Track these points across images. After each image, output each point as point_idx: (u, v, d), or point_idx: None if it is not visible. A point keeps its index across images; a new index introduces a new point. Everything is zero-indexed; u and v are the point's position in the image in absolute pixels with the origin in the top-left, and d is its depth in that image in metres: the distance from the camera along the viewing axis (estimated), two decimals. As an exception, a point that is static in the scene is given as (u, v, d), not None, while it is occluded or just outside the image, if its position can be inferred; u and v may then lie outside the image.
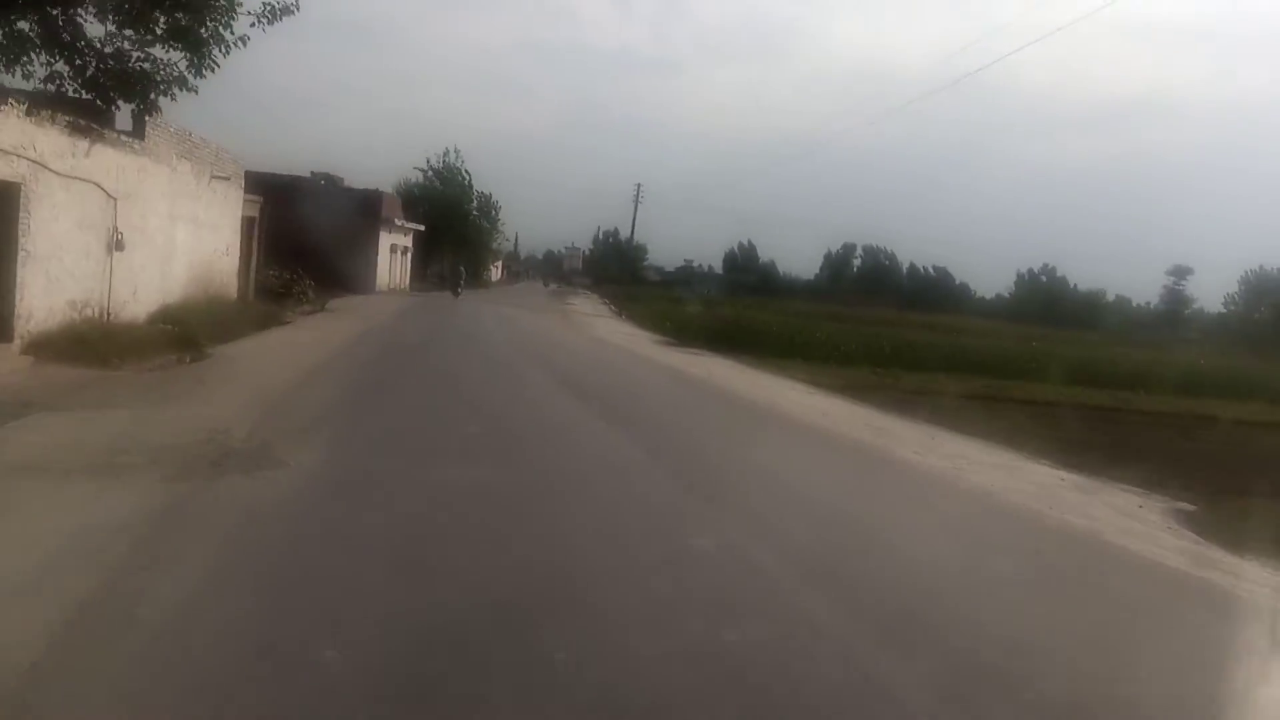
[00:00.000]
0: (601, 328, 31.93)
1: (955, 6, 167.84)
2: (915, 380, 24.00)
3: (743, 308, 60.23)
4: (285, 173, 40.04)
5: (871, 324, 51.84)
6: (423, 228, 48.38)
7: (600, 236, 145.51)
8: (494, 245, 74.75)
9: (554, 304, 48.97)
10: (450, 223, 57.37)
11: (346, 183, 42.12)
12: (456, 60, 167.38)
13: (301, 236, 40.07)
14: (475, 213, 62.53)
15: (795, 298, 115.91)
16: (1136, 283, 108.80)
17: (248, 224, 23.60)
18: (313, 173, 41.42)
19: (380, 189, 41.82)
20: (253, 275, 24.29)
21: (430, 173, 58.23)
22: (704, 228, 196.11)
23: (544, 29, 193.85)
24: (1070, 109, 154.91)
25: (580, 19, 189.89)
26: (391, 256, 43.57)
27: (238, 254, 22.19)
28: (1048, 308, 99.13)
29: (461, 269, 49.99)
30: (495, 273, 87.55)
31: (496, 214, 68.96)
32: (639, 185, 51.83)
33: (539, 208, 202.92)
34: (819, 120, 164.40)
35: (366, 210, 40.42)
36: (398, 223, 43.01)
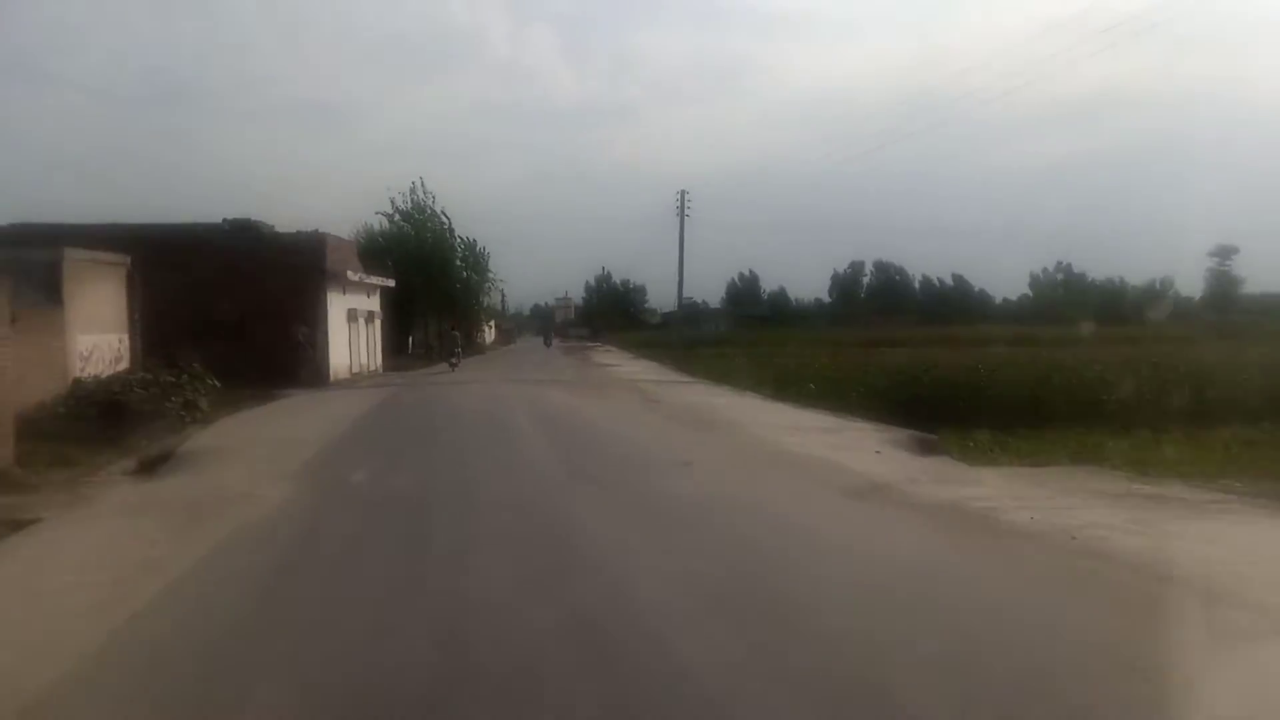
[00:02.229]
0: (727, 411, 18.25)
1: (909, 29, 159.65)
2: None
3: (774, 343, 49.51)
4: (175, 221, 27.19)
5: (943, 343, 41.02)
6: (392, 283, 35.36)
7: (593, 283, 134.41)
8: (485, 301, 61.95)
9: (590, 371, 35.20)
10: (429, 276, 44.44)
11: (277, 230, 29.14)
12: (419, 129, 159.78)
13: (210, 310, 27.08)
14: (459, 263, 49.67)
15: (810, 324, 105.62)
16: (1159, 271, 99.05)
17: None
18: (225, 220, 28.51)
19: (323, 231, 28.88)
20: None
21: (397, 216, 45.40)
22: (698, 264, 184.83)
23: (502, 93, 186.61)
24: (1049, 108, 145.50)
25: (537, 79, 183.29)
26: (351, 327, 30.46)
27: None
28: (1109, 308, 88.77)
29: (456, 334, 39.43)
30: (488, 333, 74.71)
31: (485, 263, 56.18)
32: (683, 193, 38.59)
33: (517, 264, 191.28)
34: (789, 149, 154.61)
35: (305, 264, 27.42)
36: (354, 278, 29.99)
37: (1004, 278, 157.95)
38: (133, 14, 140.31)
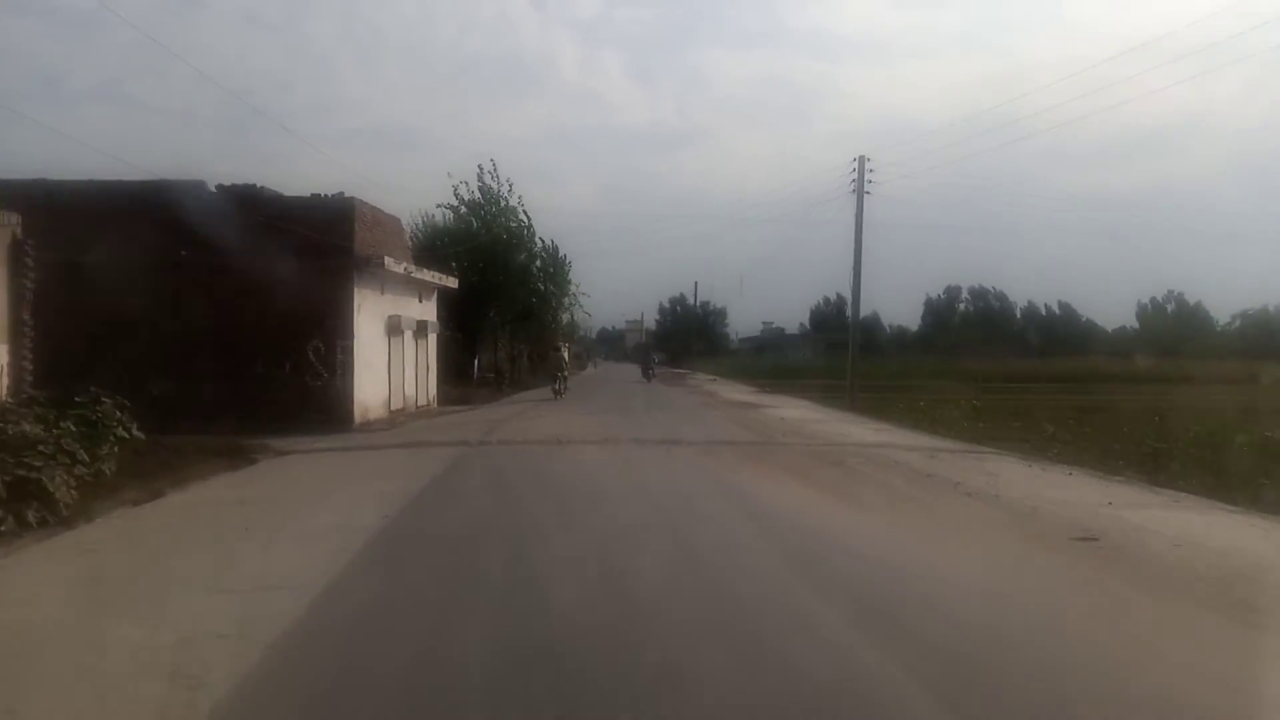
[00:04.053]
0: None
1: (985, 51, 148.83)
2: None
3: (885, 374, 42.49)
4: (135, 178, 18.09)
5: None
6: (454, 283, 25.80)
7: (667, 305, 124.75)
8: (564, 319, 52.65)
9: (748, 416, 22.54)
10: (502, 281, 34.99)
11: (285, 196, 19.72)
12: (491, 154, 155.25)
13: (178, 312, 17.83)
14: (537, 269, 40.18)
15: (904, 353, 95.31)
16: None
17: None
18: (218, 186, 19.22)
19: (351, 196, 19.47)
20: None
21: (463, 208, 36.08)
22: (778, 289, 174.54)
23: (572, 117, 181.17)
24: (1139, 132, 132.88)
25: (606, 103, 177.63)
26: (392, 341, 20.96)
27: None
28: (1252, 341, 77.49)
29: (562, 355, 33.92)
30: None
31: (566, 274, 46.61)
32: (862, 159, 28.21)
33: (585, 287, 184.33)
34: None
35: (323, 243, 17.99)
36: (399, 269, 20.51)
37: (1100, 308, 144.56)
38: (215, 41, 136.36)
